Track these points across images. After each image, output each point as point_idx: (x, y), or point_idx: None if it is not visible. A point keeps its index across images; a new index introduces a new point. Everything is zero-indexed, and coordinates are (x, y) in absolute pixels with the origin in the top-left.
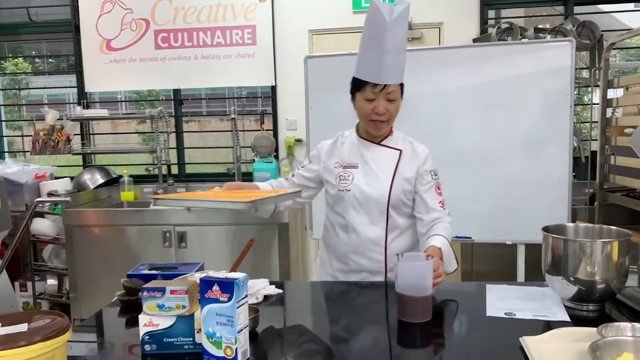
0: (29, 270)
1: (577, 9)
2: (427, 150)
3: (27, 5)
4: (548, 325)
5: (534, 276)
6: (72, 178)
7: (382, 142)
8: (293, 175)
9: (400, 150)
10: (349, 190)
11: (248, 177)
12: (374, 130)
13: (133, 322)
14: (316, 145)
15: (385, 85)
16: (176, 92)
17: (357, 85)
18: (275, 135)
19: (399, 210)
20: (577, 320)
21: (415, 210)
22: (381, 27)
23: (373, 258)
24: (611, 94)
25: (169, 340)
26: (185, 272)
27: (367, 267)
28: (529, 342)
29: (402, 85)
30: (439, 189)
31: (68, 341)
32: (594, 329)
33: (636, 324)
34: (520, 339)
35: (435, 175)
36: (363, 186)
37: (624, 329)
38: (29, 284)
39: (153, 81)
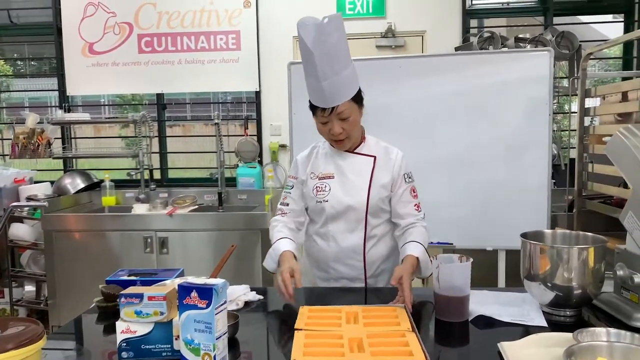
0: (6, 276)
1: (557, 20)
2: (401, 153)
3: (8, 8)
4: (526, 330)
5: (515, 282)
6: (52, 182)
7: (356, 150)
8: (288, 205)
9: (374, 157)
10: (326, 201)
11: (231, 182)
12: (338, 147)
13: (111, 329)
14: (294, 159)
15: (333, 108)
16: (159, 96)
17: (312, 109)
18: (260, 140)
19: (377, 217)
20: (555, 325)
21: (392, 216)
22: (308, 55)
23: (352, 265)
24: (589, 103)
25: (147, 347)
26: (164, 278)
27: (346, 275)
28: (507, 348)
29: (358, 94)
30: (414, 192)
31: (43, 349)
32: (569, 335)
33: (611, 329)
34: (498, 344)
35: (410, 177)
36: (340, 196)
37: (599, 334)
38: (6, 290)
39: (136, 85)
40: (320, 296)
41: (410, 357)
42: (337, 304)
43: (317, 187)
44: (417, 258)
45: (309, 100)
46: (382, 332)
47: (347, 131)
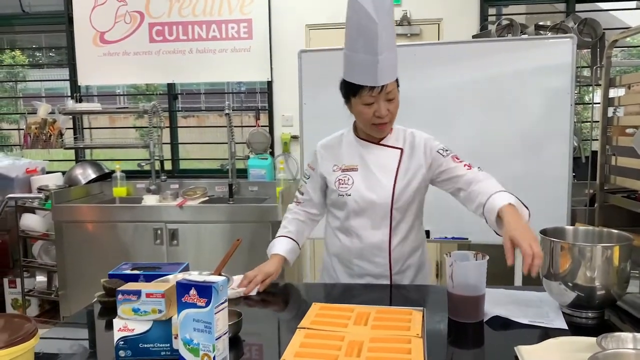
0: (18, 267)
1: (579, 7)
2: (425, 135)
3: None
4: (545, 333)
5: (532, 279)
6: (64, 173)
7: (382, 142)
8: (303, 194)
9: (401, 149)
10: (349, 195)
11: (242, 173)
12: (377, 133)
13: (111, 325)
14: (314, 149)
15: (383, 87)
16: (171, 86)
17: (352, 90)
18: (271, 131)
19: (404, 213)
20: (576, 328)
21: (452, 190)
22: (370, 26)
23: (377, 263)
24: (612, 93)
25: (145, 346)
26: (168, 273)
27: (371, 272)
28: (524, 352)
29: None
30: (457, 158)
31: (45, 337)
32: (592, 339)
33: (637, 335)
34: (515, 348)
35: (446, 150)
36: (364, 191)
37: (625, 340)
38: (18, 280)
39: (147, 75)
40: (342, 292)
41: None
42: (359, 301)
43: (339, 179)
44: (513, 205)
45: (344, 82)
46: (387, 336)
47: (391, 114)
